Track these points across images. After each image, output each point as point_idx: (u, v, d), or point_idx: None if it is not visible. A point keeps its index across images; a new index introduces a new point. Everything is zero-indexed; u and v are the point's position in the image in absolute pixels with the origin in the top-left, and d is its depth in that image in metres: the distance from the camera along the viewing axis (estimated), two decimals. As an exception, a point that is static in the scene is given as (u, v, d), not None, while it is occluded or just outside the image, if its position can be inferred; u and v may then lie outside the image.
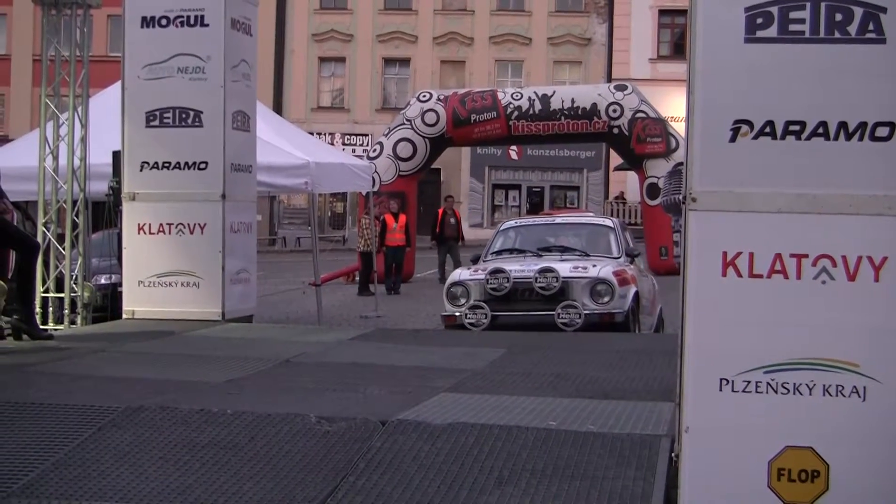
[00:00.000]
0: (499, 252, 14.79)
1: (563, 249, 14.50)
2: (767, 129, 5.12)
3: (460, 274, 14.06)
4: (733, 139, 5.14)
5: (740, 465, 5.15)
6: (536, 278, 13.01)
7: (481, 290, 13.28)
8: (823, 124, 5.06)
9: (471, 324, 13.01)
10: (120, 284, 12.10)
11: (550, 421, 6.30)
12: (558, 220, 17.45)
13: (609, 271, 13.25)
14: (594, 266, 13.47)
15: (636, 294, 13.52)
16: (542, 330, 12.38)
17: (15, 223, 10.58)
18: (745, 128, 5.14)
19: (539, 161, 50.35)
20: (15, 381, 7.62)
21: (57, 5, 12.06)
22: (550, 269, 13.09)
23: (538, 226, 16.80)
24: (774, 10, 5.12)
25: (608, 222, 15.79)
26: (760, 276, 5.13)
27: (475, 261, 14.85)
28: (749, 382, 5.13)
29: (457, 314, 13.25)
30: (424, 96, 30.98)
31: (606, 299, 12.98)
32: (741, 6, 5.15)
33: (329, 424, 6.09)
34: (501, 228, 16.03)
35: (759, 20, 5.13)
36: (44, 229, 12.00)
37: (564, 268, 13.28)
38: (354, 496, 5.28)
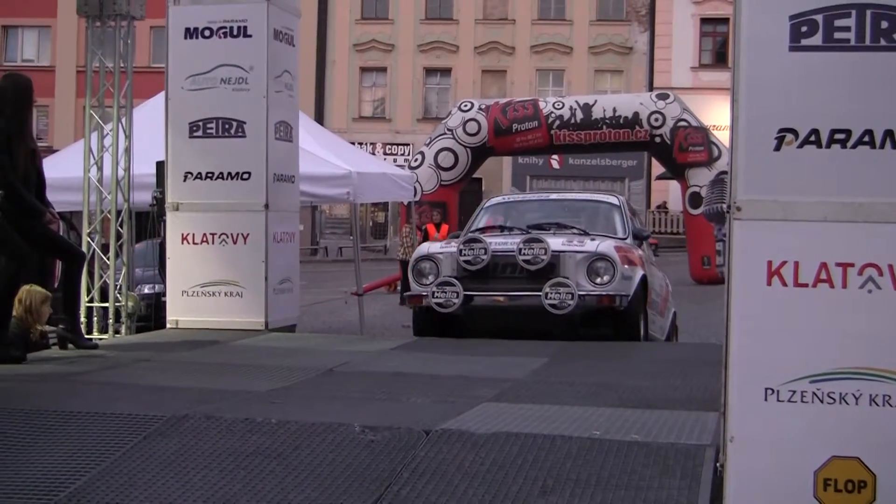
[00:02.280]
0: (482, 230, 12.90)
1: (559, 227, 12.47)
2: (812, 138, 5.09)
3: (429, 247, 12.27)
4: (778, 148, 5.12)
5: (786, 475, 5.12)
6: (521, 250, 11.13)
7: (453, 265, 11.48)
8: (869, 132, 5.03)
9: (438, 304, 11.23)
10: (163, 294, 12.17)
11: (594, 430, 6.28)
12: (554, 197, 15.11)
13: (610, 246, 11.43)
14: (592, 241, 11.61)
15: (644, 279, 11.68)
16: (526, 313, 11.12)
17: (60, 233, 10.65)
18: (789, 136, 5.12)
19: (580, 170, 50.30)
20: (61, 390, 7.67)
21: (101, 17, 12.16)
22: (538, 240, 11.23)
23: (530, 202, 14.87)
24: (819, 18, 5.10)
25: (613, 199, 13.69)
26: (806, 286, 5.10)
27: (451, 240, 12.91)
28: (794, 392, 5.10)
29: (423, 294, 11.50)
30: (466, 106, 31.05)
31: (606, 279, 11.11)
32: (785, 14, 5.12)
33: (373, 434, 6.10)
34: (486, 205, 14.06)
35: (804, 28, 5.11)
36: (88, 239, 12.09)
37: (556, 241, 11.42)
38: (398, 505, 5.29)
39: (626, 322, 11.29)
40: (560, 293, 10.86)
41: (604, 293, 11.04)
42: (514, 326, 11.16)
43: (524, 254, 11.10)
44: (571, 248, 11.32)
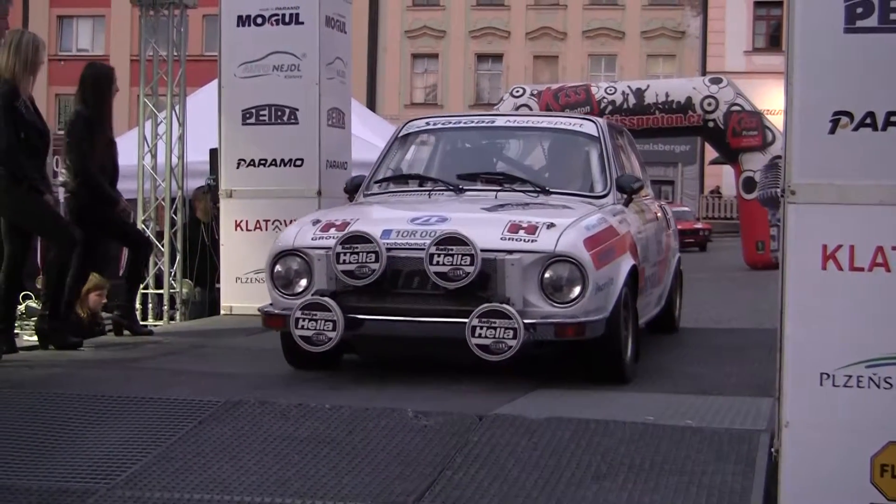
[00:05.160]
0: (388, 181, 8.80)
1: (504, 179, 8.36)
2: (868, 121, 5.03)
3: (297, 233, 7.58)
4: (833, 131, 5.06)
5: (842, 460, 5.07)
6: (432, 256, 6.85)
7: (329, 272, 7.18)
8: (926, 115, 4.97)
9: (303, 338, 7.06)
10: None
11: (648, 416, 6.27)
12: (500, 123, 9.70)
13: (577, 240, 7.04)
14: (550, 227, 7.11)
15: (632, 271, 7.63)
16: (443, 344, 7.11)
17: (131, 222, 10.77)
18: (844, 119, 5.06)
19: (633, 155, 49.98)
20: (117, 376, 7.74)
21: (154, 6, 12.29)
22: (457, 240, 6.84)
23: (466, 130, 9.46)
24: (875, -1, 5.05)
25: (588, 126, 8.90)
26: (861, 269, 5.05)
27: (351, 191, 8.91)
28: (850, 377, 5.05)
29: (285, 313, 7.25)
30: (518, 91, 30.93)
31: (572, 295, 6.92)
32: (840, -4, 5.07)
33: (426, 419, 6.11)
34: (402, 133, 9.33)
35: (859, 10, 5.04)
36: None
37: (488, 230, 7.09)
38: (452, 490, 5.30)
39: (601, 350, 7.30)
40: (495, 328, 6.71)
41: (567, 320, 6.92)
42: (425, 357, 7.71)
43: (438, 263, 6.84)
44: (515, 244, 7.00)
